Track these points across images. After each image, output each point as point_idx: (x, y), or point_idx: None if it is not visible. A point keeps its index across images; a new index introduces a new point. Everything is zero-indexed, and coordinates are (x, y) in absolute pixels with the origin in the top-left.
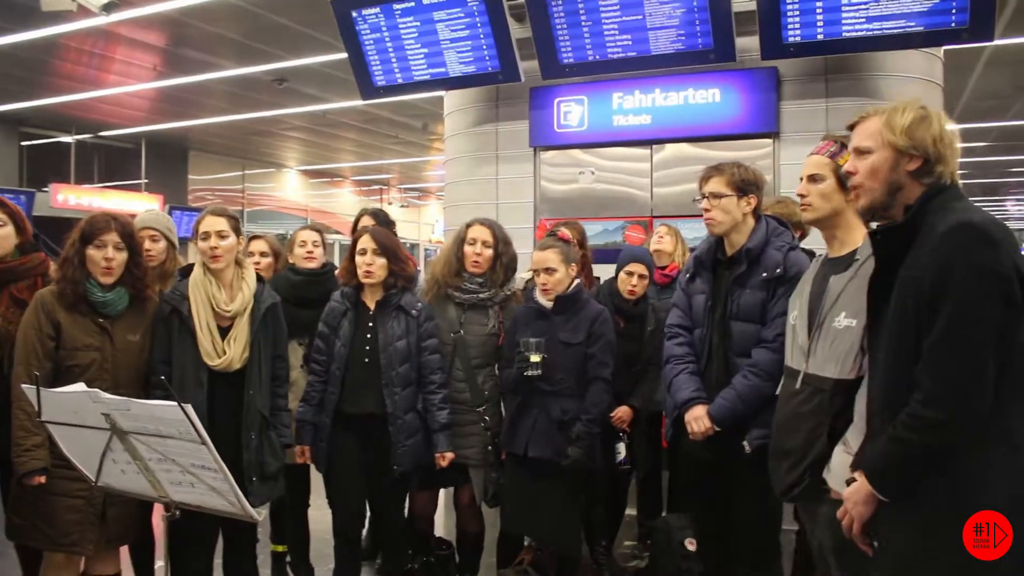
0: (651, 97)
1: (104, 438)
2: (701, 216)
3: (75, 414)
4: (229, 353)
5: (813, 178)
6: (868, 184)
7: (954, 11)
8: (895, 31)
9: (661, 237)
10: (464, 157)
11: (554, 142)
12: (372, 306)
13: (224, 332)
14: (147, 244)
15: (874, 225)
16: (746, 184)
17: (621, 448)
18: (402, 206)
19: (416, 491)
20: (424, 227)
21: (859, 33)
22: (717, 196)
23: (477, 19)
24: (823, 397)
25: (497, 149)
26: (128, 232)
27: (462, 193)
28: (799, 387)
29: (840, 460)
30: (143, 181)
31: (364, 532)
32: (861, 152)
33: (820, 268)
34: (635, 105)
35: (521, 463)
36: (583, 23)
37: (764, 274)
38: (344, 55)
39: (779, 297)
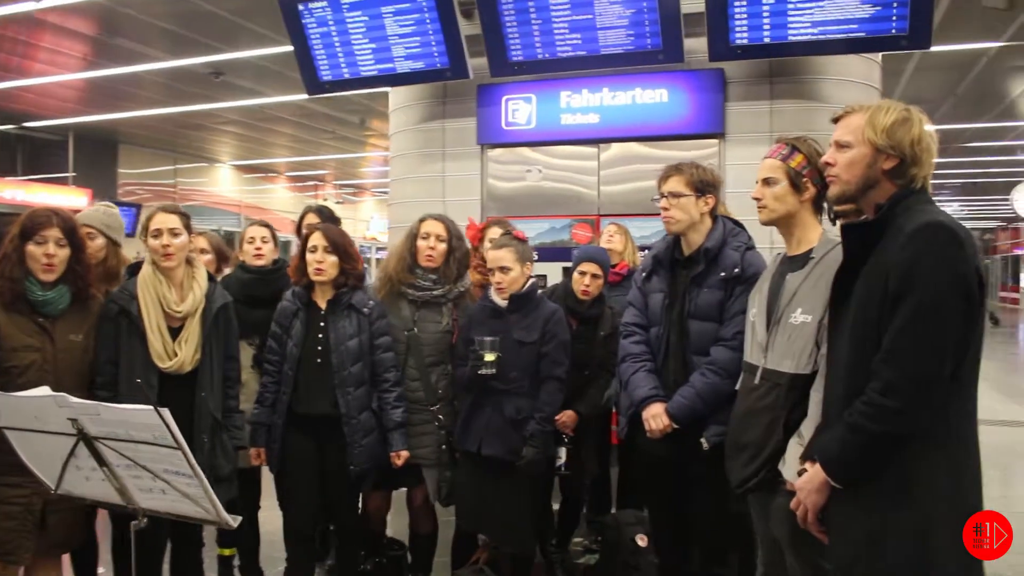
0: (599, 96)
1: (68, 444)
2: (647, 215)
3: (36, 419)
4: (180, 355)
5: (767, 181)
6: (844, 176)
7: (894, 18)
8: (839, 36)
9: (611, 236)
10: (410, 154)
11: (502, 140)
12: (323, 305)
13: (175, 333)
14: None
15: (838, 222)
16: (704, 184)
17: (562, 453)
18: (338, 202)
19: (369, 492)
20: (360, 224)
21: (804, 37)
22: (676, 195)
23: (426, 15)
24: (779, 391)
25: (444, 146)
26: (70, 228)
27: (408, 190)
28: (758, 382)
29: (794, 452)
30: (70, 175)
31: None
32: (841, 146)
33: (778, 266)
34: (583, 104)
35: (475, 461)
36: (533, 21)
37: (722, 273)
38: (281, 48)
39: (737, 296)
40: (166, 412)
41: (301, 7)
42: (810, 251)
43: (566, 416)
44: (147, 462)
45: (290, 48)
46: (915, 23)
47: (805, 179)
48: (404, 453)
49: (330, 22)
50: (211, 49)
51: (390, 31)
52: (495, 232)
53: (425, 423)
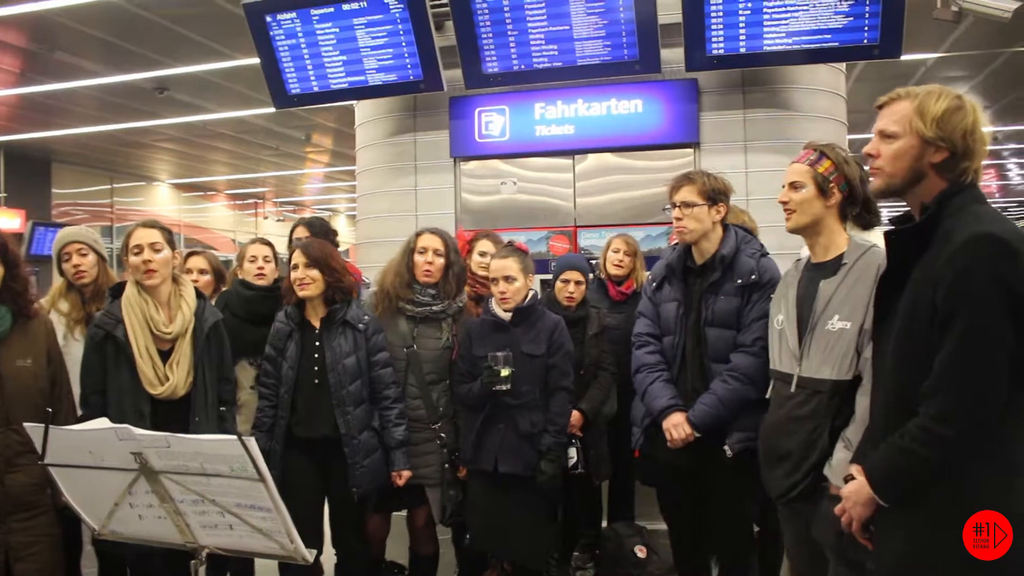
0: (574, 107)
1: (125, 480)
2: (625, 225)
3: (91, 455)
4: (172, 379)
5: (794, 185)
6: (888, 169)
7: (866, 28)
8: (812, 45)
9: (619, 262)
10: (380, 168)
11: (475, 152)
12: (317, 324)
13: (165, 356)
14: (75, 259)
15: (881, 230)
16: (716, 193)
17: (573, 453)
18: (278, 220)
19: (369, 514)
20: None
21: (779, 47)
22: (688, 205)
23: (399, 27)
24: (821, 399)
25: (416, 160)
26: (1, 244)
27: (378, 205)
28: (794, 390)
29: (842, 457)
30: (1, 195)
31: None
32: (886, 135)
33: (804, 272)
34: (558, 115)
35: (489, 479)
36: (509, 32)
37: (739, 280)
38: (227, 63)
39: (754, 303)
40: (251, 442)
41: (269, 19)
42: (840, 257)
43: (572, 417)
44: (217, 495)
45: (236, 62)
46: (886, 33)
47: (832, 185)
48: (406, 473)
49: (299, 34)
50: (153, 63)
51: (362, 43)
52: (485, 245)
53: (427, 442)
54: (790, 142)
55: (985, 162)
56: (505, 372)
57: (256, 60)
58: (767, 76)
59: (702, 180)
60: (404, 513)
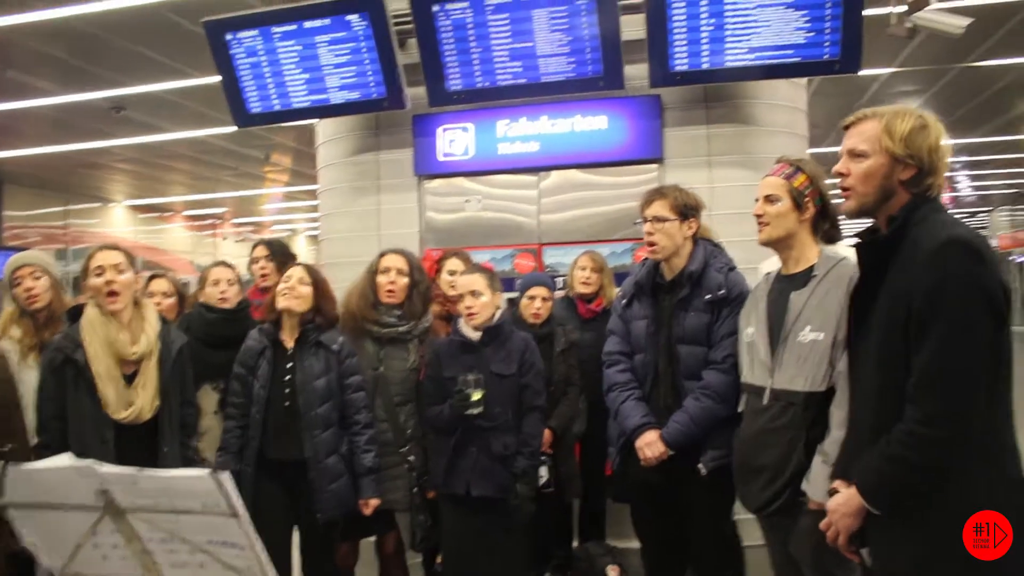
0: (538, 124)
1: (89, 519)
2: (589, 242)
3: (49, 492)
4: (138, 402)
5: (769, 199)
6: (860, 188)
7: (827, 44)
8: (774, 61)
9: (587, 280)
10: (342, 187)
11: (439, 170)
12: (290, 344)
13: (128, 380)
14: (27, 283)
15: (851, 242)
16: (688, 208)
17: (544, 471)
18: (237, 241)
19: (337, 541)
20: None
21: (741, 63)
22: (660, 220)
23: (362, 44)
24: (795, 410)
25: (379, 178)
26: None
27: (341, 224)
28: (767, 403)
29: (820, 470)
30: None
31: None
32: (856, 155)
33: (774, 284)
34: (522, 132)
35: (462, 503)
36: (473, 50)
37: (707, 296)
38: (184, 81)
39: (724, 318)
40: (225, 477)
41: (229, 36)
42: (810, 268)
43: None
44: (188, 533)
45: (194, 80)
46: (846, 49)
47: (807, 199)
48: (374, 501)
49: (260, 52)
50: (110, 81)
51: (324, 61)
52: (454, 264)
53: (395, 466)
54: (753, 156)
55: None
56: (476, 396)
57: (215, 79)
58: (729, 91)
59: (674, 195)
60: (373, 539)
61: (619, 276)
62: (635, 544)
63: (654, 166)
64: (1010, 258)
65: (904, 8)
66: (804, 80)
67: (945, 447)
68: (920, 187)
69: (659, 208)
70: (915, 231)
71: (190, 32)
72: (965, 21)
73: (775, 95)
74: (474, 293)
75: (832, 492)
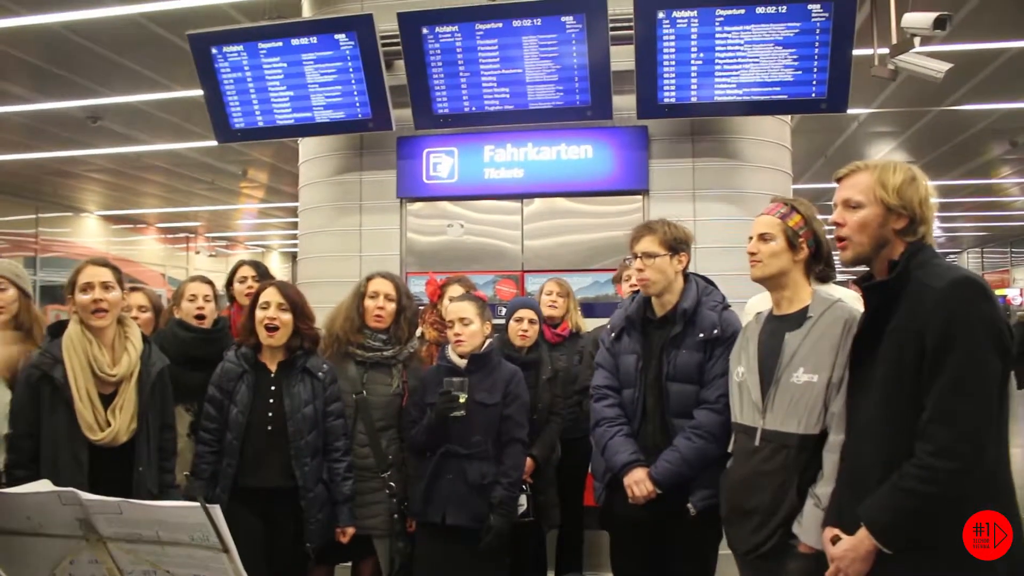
0: (523, 151)
1: (67, 547)
2: (573, 271)
3: (29, 520)
4: (115, 424)
5: (764, 237)
6: (857, 238)
7: (815, 83)
8: (762, 97)
9: (553, 302)
10: (324, 207)
11: (422, 193)
12: (273, 368)
13: (106, 400)
14: None
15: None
16: (677, 242)
17: (523, 500)
18: (210, 255)
19: (311, 567)
20: None
21: (729, 98)
22: (650, 256)
23: (349, 64)
24: (788, 453)
25: (361, 199)
26: None
27: (321, 244)
28: (758, 444)
29: (812, 514)
30: None
31: None
32: (851, 206)
33: (766, 325)
34: (507, 158)
35: (438, 532)
36: (461, 74)
37: (701, 335)
38: (163, 94)
39: (717, 358)
40: (216, 510)
41: (214, 50)
42: (804, 309)
43: None
44: (173, 566)
45: (173, 93)
46: (833, 88)
47: (801, 240)
48: (351, 530)
49: (245, 67)
50: (87, 91)
51: (310, 79)
52: (456, 290)
53: (375, 491)
54: (738, 192)
55: None
56: (463, 398)
57: (193, 92)
58: (715, 126)
59: (663, 229)
60: (348, 565)
61: (602, 306)
62: None
63: (639, 197)
64: None
65: (887, 51)
66: (789, 117)
67: (958, 479)
68: (914, 235)
69: (648, 244)
70: (917, 273)
71: (171, 43)
72: (946, 66)
73: (761, 131)
74: (463, 320)
75: (835, 540)
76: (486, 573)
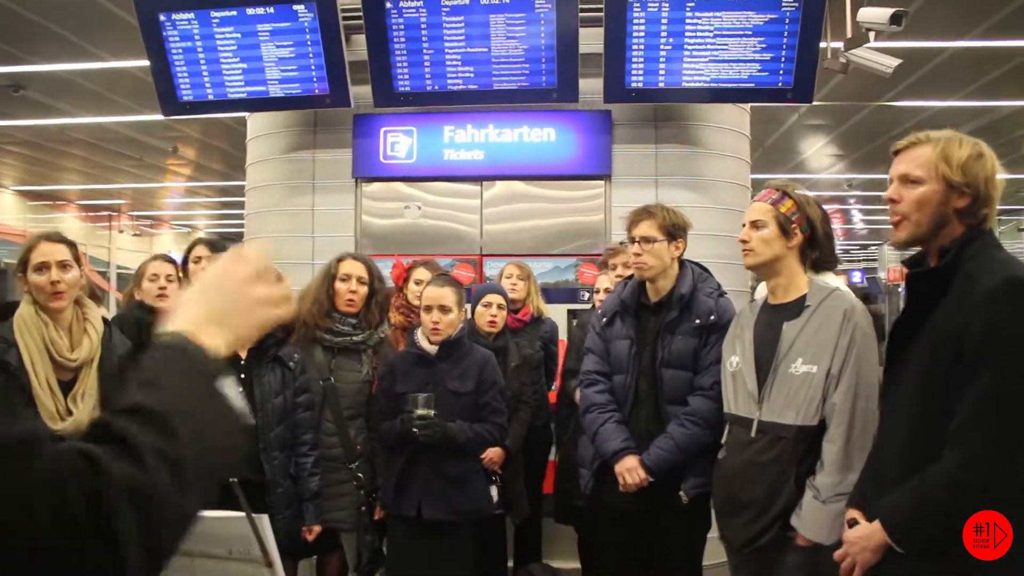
0: (484, 132)
1: None
2: (532, 255)
3: None
4: (76, 413)
5: (755, 224)
6: (915, 216)
7: (782, 72)
8: (729, 85)
9: (514, 285)
10: (274, 186)
11: (379, 173)
12: (243, 354)
13: (66, 387)
14: None
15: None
16: (676, 228)
17: (493, 491)
18: (134, 235)
19: None
20: None
21: (697, 84)
22: (649, 240)
23: (307, 36)
24: (785, 444)
25: (314, 178)
26: None
27: (271, 225)
28: (754, 435)
29: (811, 506)
30: None
31: None
32: (909, 181)
33: (761, 314)
34: (467, 140)
35: (412, 525)
36: (425, 51)
37: (697, 320)
38: (92, 63)
39: (712, 344)
40: (264, 520)
41: (163, 18)
42: (802, 298)
43: (493, 453)
44: None
45: (103, 63)
46: (799, 77)
47: (794, 225)
48: (317, 528)
49: (196, 37)
50: (8, 57)
51: (265, 52)
52: (422, 273)
53: (343, 483)
54: (699, 179)
55: (834, 207)
56: (432, 414)
57: (125, 63)
58: (678, 112)
59: (662, 215)
60: (313, 560)
61: (561, 292)
62: (571, 564)
63: (601, 182)
64: (899, 289)
65: (841, 44)
66: (748, 106)
67: (984, 492)
68: (976, 218)
69: (647, 228)
70: (969, 265)
71: (102, 8)
72: (895, 62)
73: (722, 119)
74: (443, 308)
75: (852, 522)
76: (461, 566)
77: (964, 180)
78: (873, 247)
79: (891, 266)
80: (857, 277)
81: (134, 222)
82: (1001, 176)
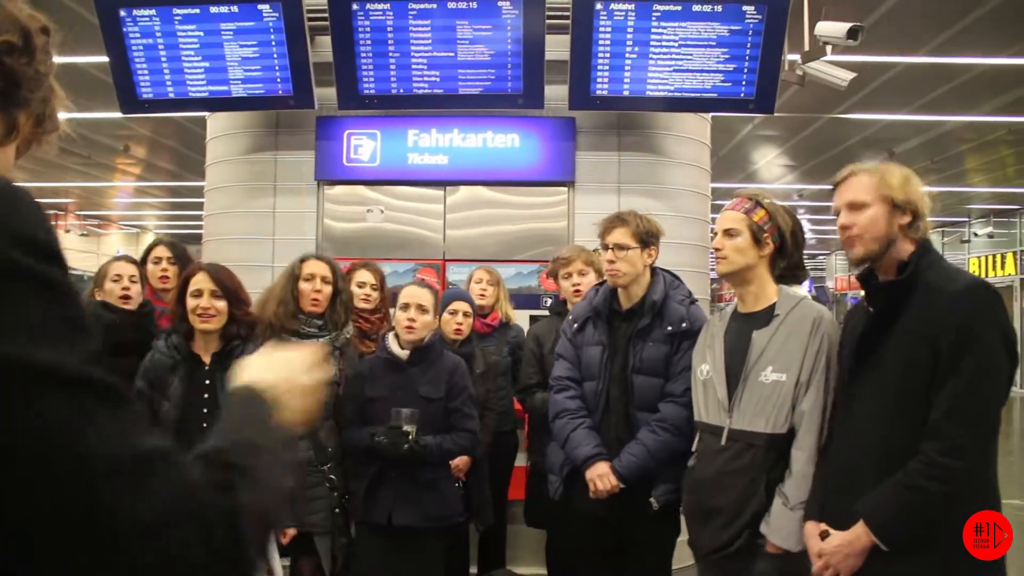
0: (449, 137)
1: None
2: (496, 261)
3: None
4: None
5: (729, 232)
6: (867, 235)
7: (744, 83)
8: (693, 94)
9: (483, 291)
10: (234, 187)
11: (342, 176)
12: (207, 359)
13: None
14: None
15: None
16: (649, 236)
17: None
18: (82, 234)
19: None
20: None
21: (661, 93)
22: (622, 248)
23: (272, 37)
24: (755, 452)
25: (275, 180)
26: None
27: (230, 226)
28: (725, 443)
29: (781, 513)
30: None
31: None
32: (856, 206)
33: (731, 323)
34: (431, 144)
35: (382, 532)
36: (391, 54)
37: (669, 327)
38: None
39: (684, 351)
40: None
41: (123, 13)
42: (771, 307)
43: (459, 460)
44: None
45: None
46: (761, 89)
47: (766, 235)
48: (291, 531)
49: (157, 34)
50: None
51: (228, 51)
52: (363, 275)
53: (316, 486)
54: (661, 187)
55: None
56: (412, 432)
57: (78, 58)
58: (641, 120)
59: (635, 222)
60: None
61: (524, 297)
62: (536, 570)
63: (564, 188)
64: (846, 298)
65: (798, 57)
66: (710, 115)
67: (968, 476)
68: (918, 232)
69: (620, 236)
70: (927, 275)
71: (55, 2)
72: (850, 75)
73: (683, 128)
74: (420, 308)
75: (823, 535)
76: (432, 570)
77: (905, 198)
78: (821, 256)
79: (839, 275)
80: (806, 286)
81: (82, 222)
82: (927, 190)
